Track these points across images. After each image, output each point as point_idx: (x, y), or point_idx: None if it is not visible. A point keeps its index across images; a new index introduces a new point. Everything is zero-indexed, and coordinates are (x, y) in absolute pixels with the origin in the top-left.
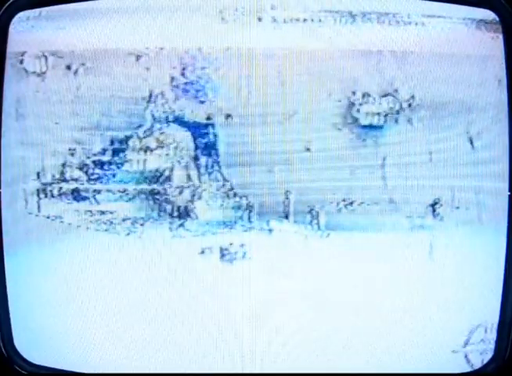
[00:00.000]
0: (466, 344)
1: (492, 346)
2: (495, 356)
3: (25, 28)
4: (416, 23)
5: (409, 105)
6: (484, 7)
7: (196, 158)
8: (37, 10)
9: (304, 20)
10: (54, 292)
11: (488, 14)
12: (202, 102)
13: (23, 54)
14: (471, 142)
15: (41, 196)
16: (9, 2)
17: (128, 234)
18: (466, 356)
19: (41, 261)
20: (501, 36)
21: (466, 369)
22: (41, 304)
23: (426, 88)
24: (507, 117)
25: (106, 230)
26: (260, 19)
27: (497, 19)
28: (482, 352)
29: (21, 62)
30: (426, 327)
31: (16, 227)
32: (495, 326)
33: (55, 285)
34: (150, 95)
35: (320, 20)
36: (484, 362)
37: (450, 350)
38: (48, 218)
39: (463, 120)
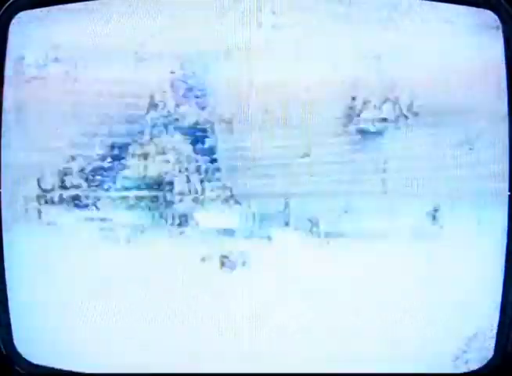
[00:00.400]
0: (466, 344)
1: (492, 346)
2: (495, 356)
3: (25, 28)
4: (417, 24)
5: (409, 109)
6: (484, 7)
7: (195, 165)
8: (37, 10)
9: (305, 21)
10: (54, 292)
11: (488, 14)
12: (202, 107)
13: (22, 55)
14: (471, 143)
15: (42, 202)
16: (9, 2)
17: (129, 241)
18: (466, 356)
19: (42, 262)
20: (501, 36)
21: (467, 369)
22: (41, 304)
23: (426, 90)
24: (507, 117)
25: (106, 237)
26: (260, 21)
27: (497, 19)
28: (482, 352)
29: (21, 63)
30: (426, 328)
31: (16, 228)
32: (495, 326)
33: (56, 285)
34: (150, 100)
35: (320, 22)
36: (484, 362)
37: (450, 350)
38: (48, 224)
39: (463, 120)
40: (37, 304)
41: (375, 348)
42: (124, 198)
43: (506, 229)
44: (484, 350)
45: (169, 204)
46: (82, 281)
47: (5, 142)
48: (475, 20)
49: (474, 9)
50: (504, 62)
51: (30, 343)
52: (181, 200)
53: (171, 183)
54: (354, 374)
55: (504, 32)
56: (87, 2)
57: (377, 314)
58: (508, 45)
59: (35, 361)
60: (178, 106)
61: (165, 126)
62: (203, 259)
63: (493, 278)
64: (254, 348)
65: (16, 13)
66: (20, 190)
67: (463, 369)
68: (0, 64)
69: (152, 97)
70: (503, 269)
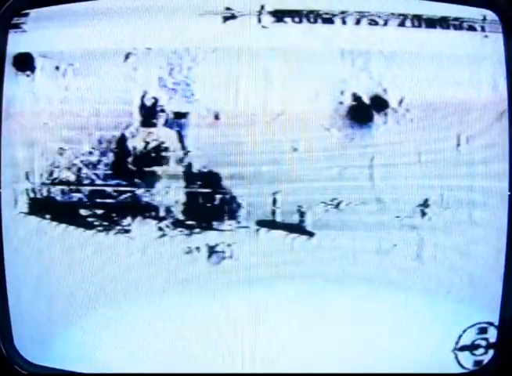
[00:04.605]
0: (466, 344)
1: (491, 346)
2: (495, 355)
3: (23, 27)
4: (415, 23)
5: (399, 105)
6: (484, 7)
7: (183, 158)
8: (25, 12)
9: (294, 21)
10: (54, 292)
11: (488, 14)
12: (189, 102)
13: (13, 54)
14: (470, 142)
15: (31, 195)
16: (8, 2)
17: (116, 233)
18: (466, 356)
19: (41, 260)
20: (501, 36)
21: (467, 369)
22: (41, 304)
23: (419, 89)
24: (507, 117)
25: (94, 229)
26: (250, 21)
27: (497, 19)
28: (482, 352)
29: (11, 62)
30: (426, 328)
31: (15, 227)
32: (495, 326)
33: (56, 285)
34: (140, 96)
35: (311, 21)
36: (485, 362)
37: (450, 350)
38: (37, 217)
39: (463, 120)
40: (37, 304)
41: (376, 344)
42: (113, 191)
43: (506, 229)
44: (484, 350)
45: (155, 195)
46: (82, 280)
47: (4, 142)
48: (475, 20)
49: (474, 9)
50: (504, 61)
51: (30, 343)
52: (167, 192)
53: (158, 175)
54: (354, 374)
55: (504, 32)
56: (77, 4)
57: (373, 308)
58: (508, 45)
59: (35, 361)
60: (165, 100)
61: (154, 120)
62: (189, 251)
63: (493, 278)
64: (254, 348)
65: (16, 13)
66: (16, 186)
67: (463, 369)
68: (0, 64)
69: (140, 91)
70: (503, 269)
